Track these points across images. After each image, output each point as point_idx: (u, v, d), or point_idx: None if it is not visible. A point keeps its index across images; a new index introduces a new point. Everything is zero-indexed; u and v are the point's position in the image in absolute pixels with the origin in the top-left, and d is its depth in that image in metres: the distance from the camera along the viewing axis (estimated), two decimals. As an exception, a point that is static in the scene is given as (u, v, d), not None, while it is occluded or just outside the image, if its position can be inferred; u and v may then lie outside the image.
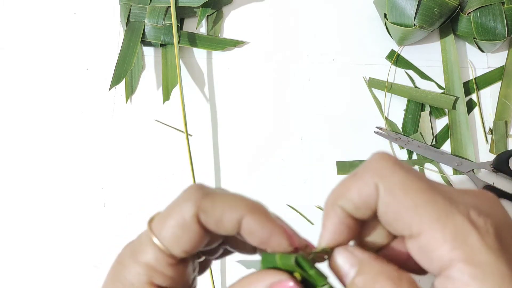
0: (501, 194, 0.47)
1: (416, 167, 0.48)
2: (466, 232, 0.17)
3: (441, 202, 0.18)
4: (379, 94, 0.50)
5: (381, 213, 0.19)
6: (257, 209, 0.20)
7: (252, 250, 0.23)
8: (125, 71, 0.49)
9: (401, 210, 0.18)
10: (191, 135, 0.49)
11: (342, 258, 0.20)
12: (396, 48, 0.52)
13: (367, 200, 0.19)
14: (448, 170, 0.48)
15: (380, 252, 0.21)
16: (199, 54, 0.52)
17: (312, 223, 0.46)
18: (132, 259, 0.21)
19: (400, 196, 0.18)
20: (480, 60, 0.52)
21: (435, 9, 0.47)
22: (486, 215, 0.18)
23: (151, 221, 0.21)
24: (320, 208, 0.47)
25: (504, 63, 0.51)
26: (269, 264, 0.20)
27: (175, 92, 0.50)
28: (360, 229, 0.21)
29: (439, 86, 0.51)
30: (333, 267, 0.20)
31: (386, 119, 0.50)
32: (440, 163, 0.48)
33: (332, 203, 0.20)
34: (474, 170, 0.48)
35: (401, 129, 0.50)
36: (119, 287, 0.20)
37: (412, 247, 0.19)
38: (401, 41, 0.50)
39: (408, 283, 0.18)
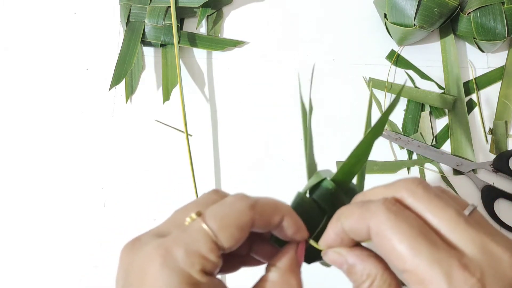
0: (501, 194, 0.47)
1: (416, 168, 0.48)
2: (444, 284, 0.20)
3: (425, 251, 0.21)
4: (379, 94, 0.50)
5: (375, 246, 0.23)
6: (291, 210, 0.26)
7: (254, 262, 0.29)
8: (125, 71, 0.49)
9: (386, 253, 0.22)
10: (191, 135, 0.49)
11: (329, 257, 0.26)
12: (396, 48, 0.52)
13: (359, 233, 0.23)
14: (448, 170, 0.48)
15: None
16: (199, 54, 0.52)
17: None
18: (184, 249, 0.22)
19: (386, 244, 0.22)
20: (480, 60, 0.52)
21: (435, 9, 0.47)
22: (476, 267, 0.20)
23: (199, 214, 0.24)
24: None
25: (504, 63, 0.51)
26: None
27: (175, 92, 0.50)
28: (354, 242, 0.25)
29: (439, 86, 0.51)
30: (328, 260, 0.26)
31: (386, 119, 0.50)
32: (440, 163, 0.48)
33: (337, 217, 0.25)
34: (474, 170, 0.48)
35: (401, 129, 0.50)
36: (168, 273, 0.22)
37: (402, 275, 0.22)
38: (401, 41, 0.50)
39: (390, 280, 0.23)
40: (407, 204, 0.23)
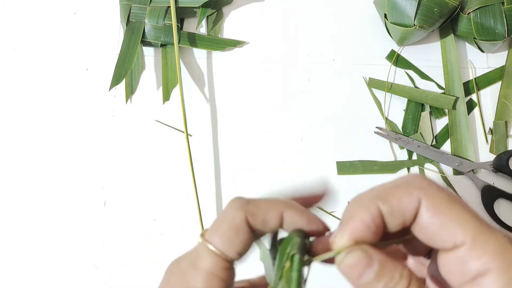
0: (501, 194, 0.47)
1: (416, 168, 0.48)
2: (506, 247, 0.19)
3: (484, 224, 0.20)
4: (379, 94, 0.50)
5: (421, 227, 0.21)
6: (292, 204, 0.24)
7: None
8: (125, 71, 0.49)
9: (445, 223, 0.20)
10: (191, 135, 0.49)
11: (356, 257, 0.21)
12: (396, 48, 0.52)
13: (405, 210, 0.21)
14: (448, 170, 0.48)
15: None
16: (199, 54, 0.52)
17: (312, 223, 0.46)
18: (193, 269, 0.23)
19: (446, 211, 0.20)
20: (480, 60, 0.52)
21: (435, 9, 0.47)
22: None
23: (202, 234, 0.24)
24: (320, 208, 0.47)
25: (504, 63, 0.51)
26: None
27: (175, 92, 0.50)
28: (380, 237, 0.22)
29: (439, 86, 0.51)
30: (343, 267, 0.21)
31: (386, 119, 0.50)
32: (440, 163, 0.48)
33: (370, 199, 0.21)
34: (474, 170, 0.48)
35: (401, 129, 0.50)
36: None
37: (447, 259, 0.20)
38: (401, 41, 0.50)
39: None
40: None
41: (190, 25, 0.52)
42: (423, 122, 0.49)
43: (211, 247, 0.23)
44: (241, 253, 0.23)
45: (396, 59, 0.51)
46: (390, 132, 0.49)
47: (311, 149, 0.49)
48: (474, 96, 0.51)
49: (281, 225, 0.24)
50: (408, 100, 0.50)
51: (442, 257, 0.21)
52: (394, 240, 0.23)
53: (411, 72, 0.51)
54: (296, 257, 0.21)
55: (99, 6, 0.53)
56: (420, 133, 0.49)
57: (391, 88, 0.50)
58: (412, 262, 0.27)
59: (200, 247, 0.23)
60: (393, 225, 0.21)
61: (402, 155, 0.49)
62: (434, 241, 0.21)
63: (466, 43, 0.52)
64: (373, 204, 0.21)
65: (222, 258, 0.23)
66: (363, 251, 0.20)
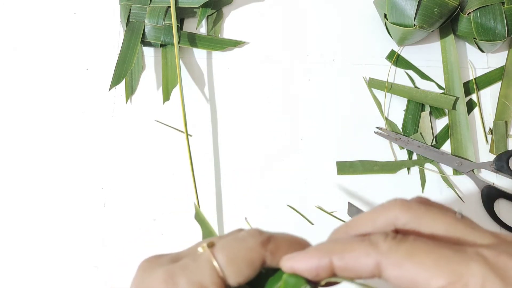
0: (501, 194, 0.47)
1: (416, 168, 0.48)
2: (484, 279, 0.19)
3: (451, 255, 0.19)
4: (379, 94, 0.50)
5: (392, 282, 0.21)
6: (311, 247, 0.23)
7: None
8: (125, 71, 0.49)
9: (414, 277, 0.20)
10: (191, 135, 0.49)
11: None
12: (396, 48, 0.52)
13: (361, 270, 0.21)
14: (448, 170, 0.48)
15: None
16: (199, 54, 0.52)
17: (312, 223, 0.46)
18: (187, 279, 0.22)
19: (409, 266, 0.20)
20: (480, 60, 0.52)
21: (435, 9, 0.47)
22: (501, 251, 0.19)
23: (210, 245, 0.23)
24: (320, 208, 0.47)
25: (504, 63, 0.51)
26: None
27: (175, 92, 0.50)
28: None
29: (439, 86, 0.51)
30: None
31: (386, 119, 0.50)
32: (440, 163, 0.48)
33: (324, 253, 0.22)
34: (474, 170, 0.48)
35: (401, 129, 0.50)
36: None
37: None
38: (401, 41, 0.50)
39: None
40: (403, 227, 0.22)
41: (190, 25, 0.52)
42: (423, 122, 0.49)
43: (215, 264, 0.22)
44: (241, 283, 0.23)
45: (396, 59, 0.51)
46: (390, 132, 0.49)
47: (311, 149, 0.49)
48: (474, 96, 0.51)
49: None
50: (408, 100, 0.50)
51: None
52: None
53: (411, 72, 0.51)
54: None
55: (99, 6, 0.53)
56: (420, 133, 0.49)
57: (391, 88, 0.50)
58: None
59: (203, 258, 0.22)
60: (348, 277, 0.22)
61: (402, 155, 0.49)
62: None
63: (466, 43, 0.52)
64: (327, 258, 0.21)
65: (222, 280, 0.22)
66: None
